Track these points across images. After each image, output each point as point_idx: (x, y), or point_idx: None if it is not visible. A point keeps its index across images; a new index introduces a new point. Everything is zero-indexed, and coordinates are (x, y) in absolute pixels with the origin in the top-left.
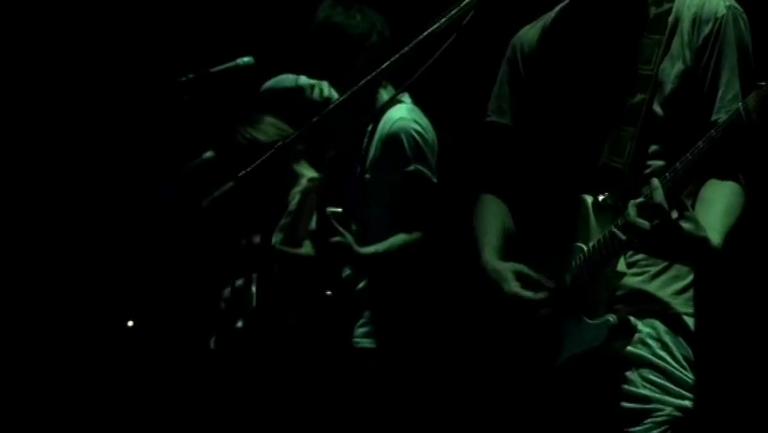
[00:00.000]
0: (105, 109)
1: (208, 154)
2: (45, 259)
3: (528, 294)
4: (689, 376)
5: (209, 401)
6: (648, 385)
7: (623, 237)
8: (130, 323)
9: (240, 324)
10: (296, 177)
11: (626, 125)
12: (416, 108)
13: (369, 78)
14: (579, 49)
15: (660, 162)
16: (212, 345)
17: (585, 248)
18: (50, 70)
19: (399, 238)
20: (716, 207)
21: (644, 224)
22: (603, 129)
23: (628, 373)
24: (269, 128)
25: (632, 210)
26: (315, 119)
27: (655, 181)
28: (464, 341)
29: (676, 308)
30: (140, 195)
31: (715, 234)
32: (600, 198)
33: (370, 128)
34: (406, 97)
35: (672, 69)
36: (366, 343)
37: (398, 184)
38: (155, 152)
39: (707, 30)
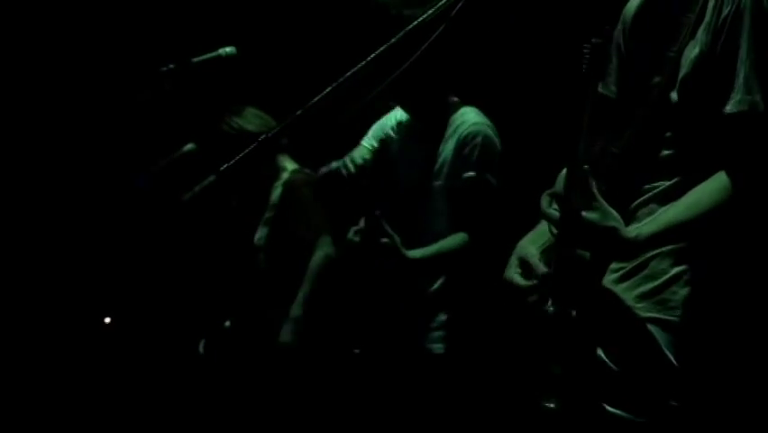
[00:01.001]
0: (82, 100)
1: (189, 146)
2: (19, 254)
3: (518, 280)
4: (654, 392)
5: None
6: (614, 403)
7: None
8: (107, 320)
9: (227, 324)
10: (277, 170)
11: (634, 107)
12: (481, 113)
13: (357, 68)
14: (650, 26)
15: (668, 151)
16: (201, 348)
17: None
18: (28, 60)
19: (448, 243)
20: (680, 201)
21: (554, 214)
22: (625, 113)
23: (600, 391)
24: (255, 119)
25: (543, 200)
26: (299, 111)
27: (563, 170)
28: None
29: (638, 313)
30: (117, 189)
31: (647, 226)
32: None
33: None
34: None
35: (691, 53)
36: (438, 348)
37: (461, 189)
38: (134, 145)
39: (726, 11)
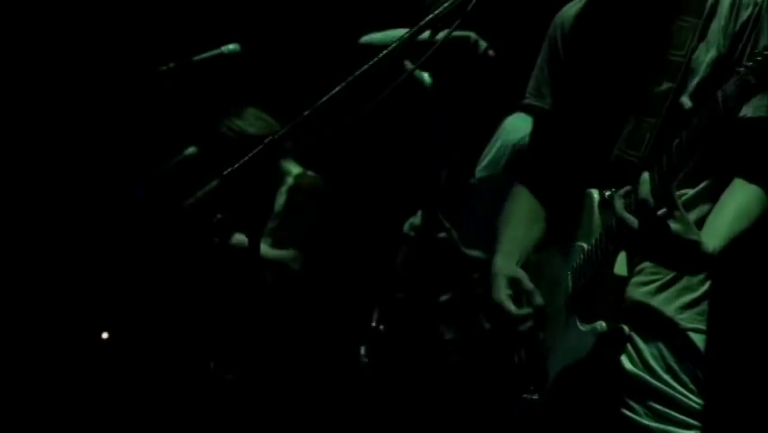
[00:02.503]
0: (79, 101)
1: (190, 150)
2: (16, 265)
3: (511, 307)
4: (695, 401)
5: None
6: (650, 414)
7: (615, 234)
8: (105, 335)
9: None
10: (281, 175)
11: (647, 116)
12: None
13: (366, 67)
14: (610, 29)
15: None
16: (212, 366)
17: (586, 248)
18: (23, 60)
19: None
20: (726, 209)
21: (633, 221)
22: (621, 119)
23: (630, 400)
24: (256, 121)
25: (618, 203)
26: (306, 112)
27: (645, 174)
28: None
29: (682, 324)
30: (115, 197)
31: (714, 240)
32: (607, 193)
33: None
34: None
35: (705, 56)
36: None
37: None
38: (133, 147)
39: (745, 15)
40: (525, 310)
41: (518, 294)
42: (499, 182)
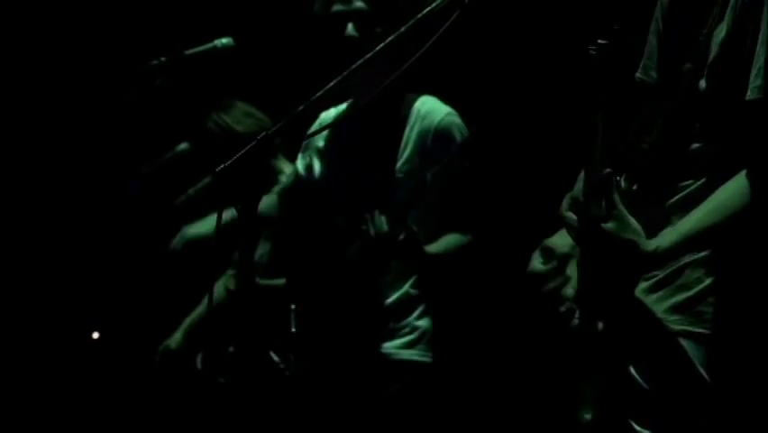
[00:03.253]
0: (69, 96)
1: (182, 146)
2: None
3: (538, 267)
4: (685, 410)
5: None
6: (641, 422)
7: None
8: (95, 335)
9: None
10: (274, 174)
11: (665, 97)
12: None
13: (358, 63)
14: (678, 6)
15: (698, 144)
16: (198, 364)
17: None
18: (10, 53)
19: (454, 239)
20: (702, 206)
21: (572, 219)
22: (653, 103)
23: (629, 408)
24: (245, 118)
25: (564, 202)
26: (299, 108)
27: (582, 172)
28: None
29: (671, 326)
30: (106, 195)
31: (665, 238)
32: (618, 178)
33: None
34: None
35: (718, 36)
36: (412, 355)
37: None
38: (123, 144)
39: None
40: (550, 264)
41: (548, 257)
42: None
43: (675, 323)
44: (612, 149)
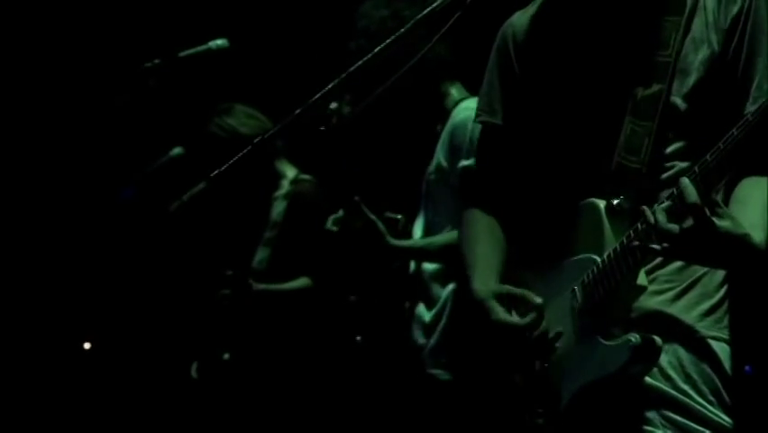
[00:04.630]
0: (62, 99)
1: (176, 151)
2: None
3: (514, 319)
4: (715, 414)
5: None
6: (666, 423)
7: (656, 246)
8: (87, 345)
9: (226, 356)
10: (276, 177)
11: (640, 120)
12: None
13: (360, 63)
14: (580, 33)
15: (683, 164)
16: (193, 373)
17: (598, 260)
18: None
19: (441, 238)
20: (753, 204)
21: (674, 228)
22: (611, 125)
23: (647, 412)
24: (248, 119)
25: (660, 216)
26: (298, 111)
27: (685, 180)
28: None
29: (702, 331)
30: (100, 200)
31: (757, 231)
32: (615, 202)
33: (438, 128)
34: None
35: (696, 56)
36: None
37: (456, 180)
38: (116, 147)
39: (735, 9)
40: (530, 316)
41: (513, 305)
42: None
43: (706, 328)
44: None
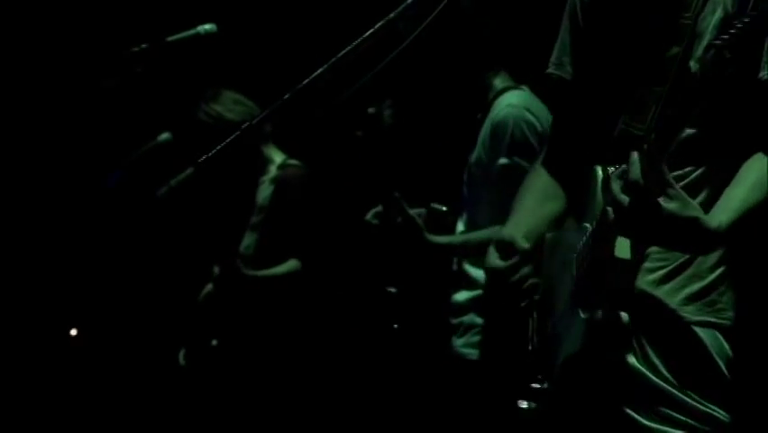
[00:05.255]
0: (47, 85)
1: (164, 136)
2: None
3: (496, 263)
4: (703, 404)
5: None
6: (653, 415)
7: (611, 216)
8: (73, 331)
9: (214, 342)
10: (263, 163)
11: (655, 84)
12: (530, 95)
13: (345, 50)
14: None
15: (693, 130)
16: (181, 360)
17: (589, 229)
18: None
19: (480, 234)
20: (740, 182)
21: (624, 199)
22: (627, 88)
23: (633, 398)
24: (235, 105)
25: (615, 184)
26: (287, 95)
27: (633, 155)
28: None
29: (687, 317)
30: (85, 187)
31: (722, 214)
32: (610, 170)
33: (479, 116)
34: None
35: (712, 18)
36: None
37: (496, 176)
38: (103, 133)
39: None
40: (511, 261)
41: (506, 252)
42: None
43: (691, 313)
44: (605, 137)
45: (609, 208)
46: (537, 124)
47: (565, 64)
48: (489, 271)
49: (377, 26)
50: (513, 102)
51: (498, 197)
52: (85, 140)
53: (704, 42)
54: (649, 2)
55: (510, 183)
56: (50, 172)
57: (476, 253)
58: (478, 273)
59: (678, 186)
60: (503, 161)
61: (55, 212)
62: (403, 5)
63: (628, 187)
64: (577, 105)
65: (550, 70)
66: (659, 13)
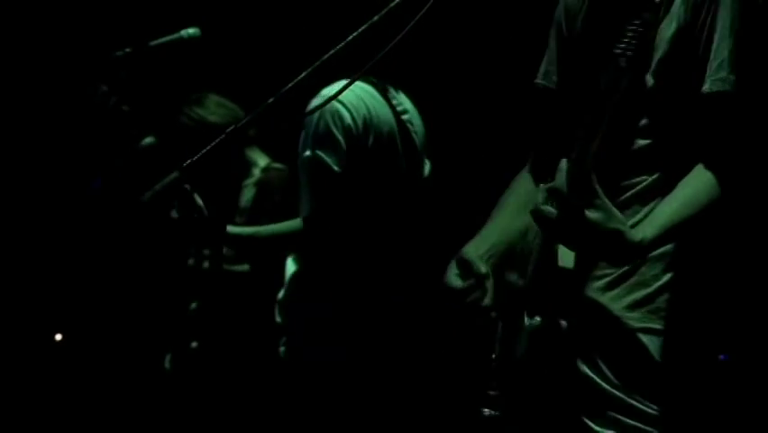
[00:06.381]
0: (30, 89)
1: (148, 140)
2: None
3: (453, 283)
4: (650, 407)
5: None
6: (604, 421)
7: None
8: (58, 336)
9: (195, 344)
10: (247, 166)
11: (608, 95)
12: (359, 85)
13: (332, 52)
14: (603, 7)
15: (644, 141)
16: (167, 364)
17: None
18: None
19: (272, 227)
20: (673, 197)
21: (551, 212)
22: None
23: (586, 405)
24: (218, 108)
25: (540, 194)
26: (271, 99)
27: (562, 162)
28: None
29: (630, 324)
30: (68, 191)
31: (648, 228)
32: (541, 185)
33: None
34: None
35: (668, 31)
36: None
37: (300, 169)
38: (86, 139)
39: None
40: (467, 282)
41: (465, 271)
42: None
43: (635, 320)
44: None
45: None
46: (347, 116)
47: (551, 73)
48: (446, 289)
49: (360, 29)
50: (324, 92)
51: (302, 189)
52: (68, 145)
53: (658, 54)
54: (631, 13)
55: (311, 176)
56: (34, 178)
57: (269, 247)
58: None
59: (605, 199)
60: (307, 153)
61: (39, 218)
62: (387, 8)
63: (552, 194)
64: (562, 114)
65: (537, 80)
66: (613, 24)
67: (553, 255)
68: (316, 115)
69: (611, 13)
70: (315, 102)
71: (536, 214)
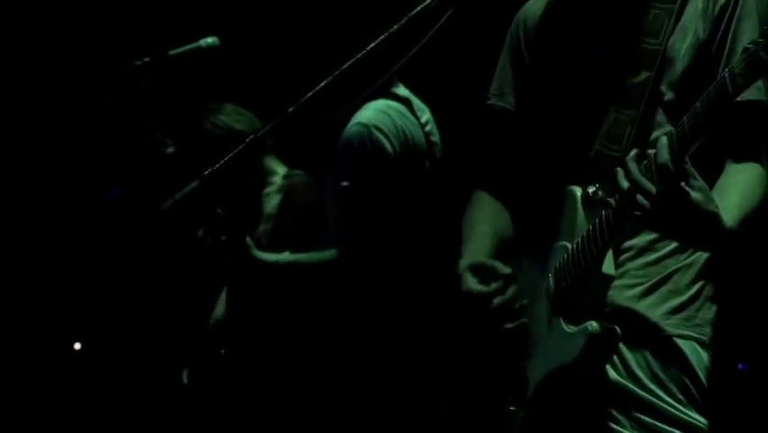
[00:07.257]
0: (52, 98)
1: (168, 149)
2: None
3: (478, 287)
4: (684, 412)
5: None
6: (636, 426)
7: (620, 205)
8: (77, 345)
9: (223, 351)
10: (266, 174)
11: (625, 108)
12: (393, 106)
13: (349, 63)
14: (579, 22)
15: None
16: (185, 379)
17: (569, 247)
18: None
19: (311, 256)
20: (731, 191)
21: (650, 186)
22: (596, 113)
23: (615, 411)
24: (239, 117)
25: (632, 166)
26: (291, 109)
27: (663, 139)
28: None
29: (668, 330)
30: (89, 200)
31: (729, 215)
32: (590, 189)
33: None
34: (400, 88)
35: (683, 43)
36: None
37: (338, 199)
38: (104, 147)
39: None
40: (495, 284)
41: (485, 276)
42: None
43: (672, 326)
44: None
45: (623, 196)
46: (387, 147)
47: (507, 94)
48: (472, 296)
49: (379, 39)
50: (360, 120)
51: (336, 217)
52: (87, 154)
53: (678, 68)
54: (591, 32)
55: (348, 206)
56: (54, 187)
57: (304, 275)
58: None
59: (701, 179)
60: (345, 183)
61: (59, 227)
62: (405, 18)
63: (657, 169)
64: (520, 133)
65: (491, 102)
66: (601, 42)
67: (601, 261)
68: (355, 142)
69: (578, 38)
70: (353, 128)
71: (636, 188)
